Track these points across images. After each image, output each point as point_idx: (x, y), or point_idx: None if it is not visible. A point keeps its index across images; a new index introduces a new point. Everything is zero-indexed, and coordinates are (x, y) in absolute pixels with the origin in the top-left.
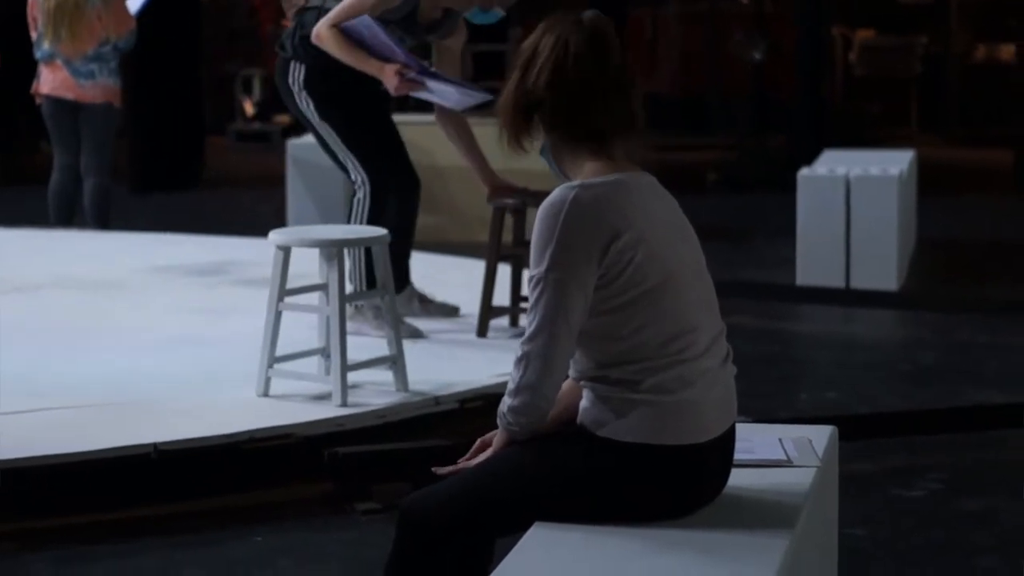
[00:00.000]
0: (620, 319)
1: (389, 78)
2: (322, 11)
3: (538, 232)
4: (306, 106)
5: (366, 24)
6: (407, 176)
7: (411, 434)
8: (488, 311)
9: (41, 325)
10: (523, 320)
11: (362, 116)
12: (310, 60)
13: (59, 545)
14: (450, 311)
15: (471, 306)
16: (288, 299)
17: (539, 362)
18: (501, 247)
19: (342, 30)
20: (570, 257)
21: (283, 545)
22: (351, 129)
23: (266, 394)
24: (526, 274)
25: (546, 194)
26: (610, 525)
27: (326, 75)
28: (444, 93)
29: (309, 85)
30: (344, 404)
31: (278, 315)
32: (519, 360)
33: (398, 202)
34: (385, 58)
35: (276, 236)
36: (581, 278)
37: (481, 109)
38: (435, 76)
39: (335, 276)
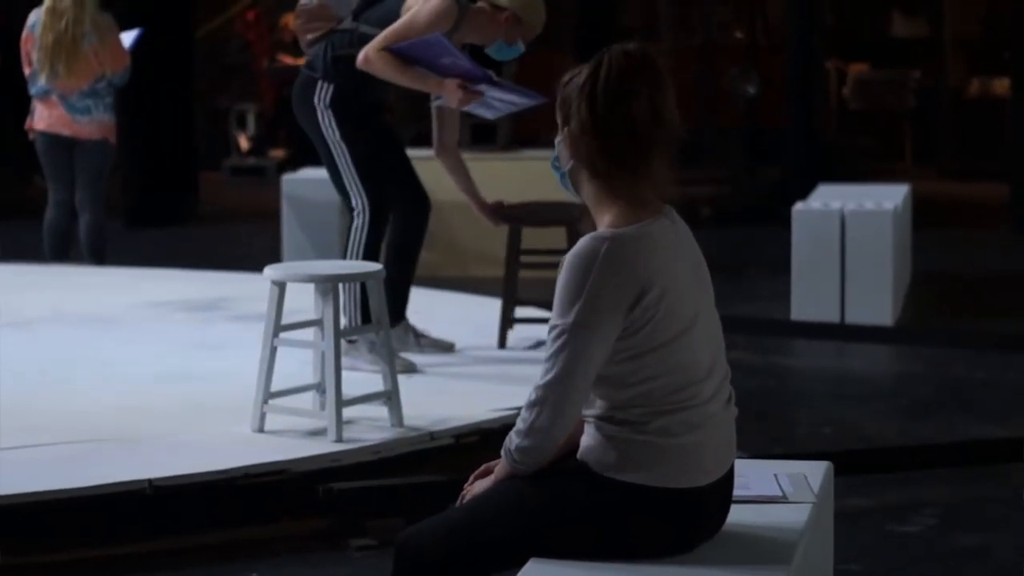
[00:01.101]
0: (633, 368)
1: (451, 92)
2: (354, 34)
3: (565, 282)
4: (327, 125)
5: (428, 40)
6: (416, 194)
7: (406, 469)
8: (507, 323)
9: (35, 360)
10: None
11: (378, 143)
12: (340, 80)
13: None
14: (445, 347)
15: (466, 341)
16: (283, 334)
17: (553, 409)
18: (517, 264)
19: (392, 52)
20: (597, 312)
21: None
22: (366, 154)
23: (261, 429)
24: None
25: (543, 205)
26: (607, 561)
27: (353, 97)
28: (501, 102)
29: (334, 105)
30: (339, 440)
31: (273, 350)
32: (533, 404)
33: (404, 224)
34: (441, 73)
35: (271, 271)
36: (605, 333)
37: (487, 144)
38: (497, 85)
39: (330, 311)
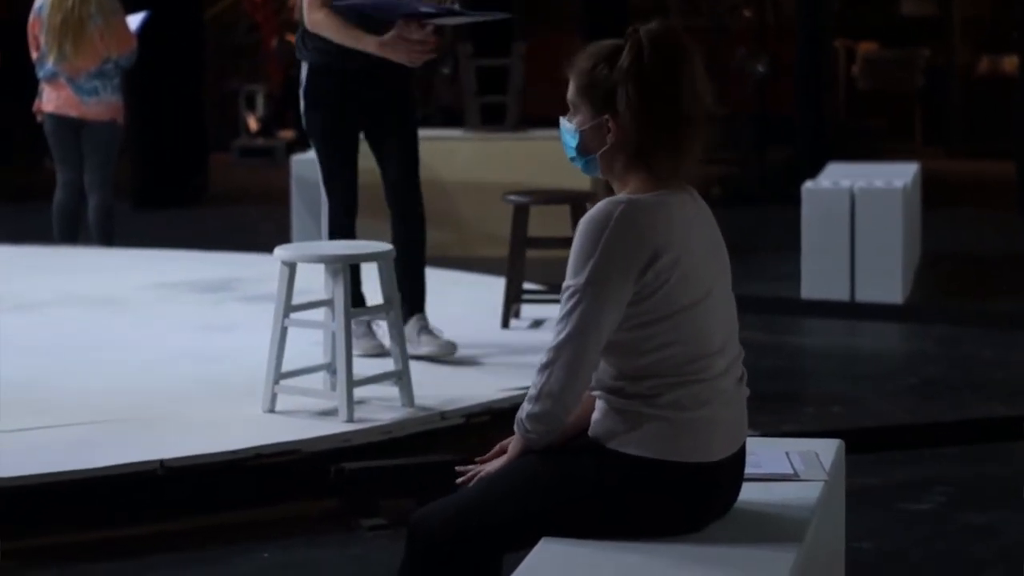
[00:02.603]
0: (646, 335)
1: (394, 52)
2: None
3: (580, 243)
4: (304, 114)
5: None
6: (402, 203)
7: (417, 449)
8: (510, 304)
9: (45, 342)
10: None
11: (346, 137)
12: (311, 58)
13: (64, 563)
14: (447, 349)
15: (472, 323)
16: (294, 315)
17: (564, 371)
18: (523, 244)
19: (334, 10)
20: (610, 273)
21: (290, 561)
22: (330, 146)
23: (272, 410)
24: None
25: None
26: (618, 540)
27: (324, 78)
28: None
29: (305, 88)
30: (350, 420)
31: (284, 331)
32: (544, 366)
33: (398, 230)
34: (404, 15)
35: (281, 252)
36: (617, 295)
37: (496, 125)
38: (451, 12)
39: (341, 292)
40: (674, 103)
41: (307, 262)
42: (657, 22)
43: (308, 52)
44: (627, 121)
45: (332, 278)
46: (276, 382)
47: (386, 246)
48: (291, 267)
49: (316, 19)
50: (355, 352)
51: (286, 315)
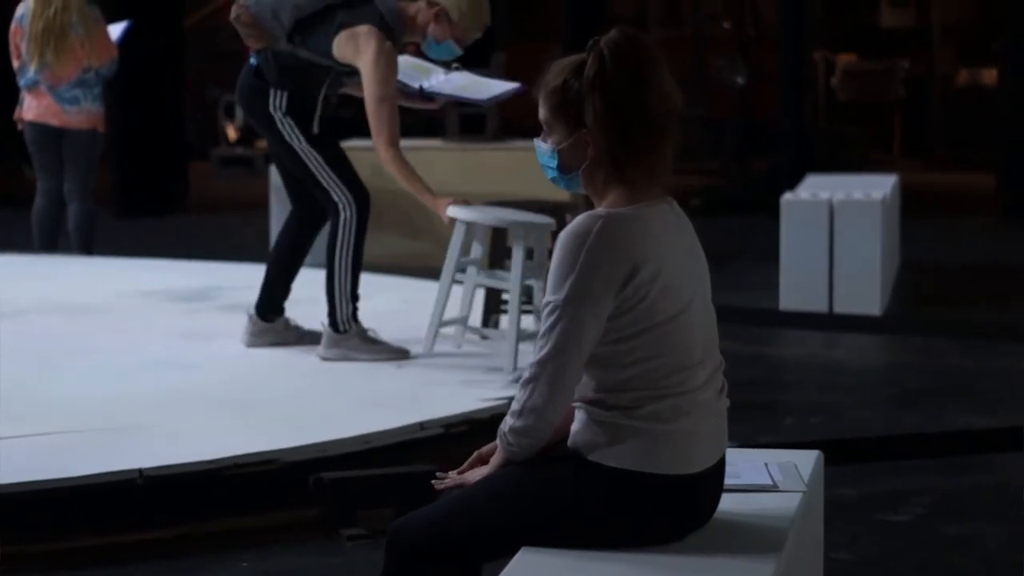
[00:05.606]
0: (626, 349)
1: (440, 210)
2: (295, 56)
3: (559, 258)
4: (291, 133)
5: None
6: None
7: (396, 459)
8: (489, 315)
9: (24, 349)
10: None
11: (334, 139)
12: (292, 87)
13: (42, 572)
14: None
15: (452, 333)
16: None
17: (547, 387)
18: (502, 254)
19: (401, 152)
20: (590, 288)
21: (269, 571)
22: (336, 154)
23: (431, 352)
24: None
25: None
26: (597, 550)
27: (305, 100)
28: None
29: (293, 112)
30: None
31: (451, 284)
32: (527, 382)
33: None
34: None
35: (457, 211)
36: (598, 309)
37: (475, 135)
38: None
39: (520, 252)
40: (641, 109)
41: (484, 222)
42: (616, 30)
43: (290, 84)
44: (598, 133)
45: (514, 240)
46: (439, 327)
47: (547, 220)
48: (468, 226)
49: (390, 158)
50: (366, 358)
51: (458, 269)
